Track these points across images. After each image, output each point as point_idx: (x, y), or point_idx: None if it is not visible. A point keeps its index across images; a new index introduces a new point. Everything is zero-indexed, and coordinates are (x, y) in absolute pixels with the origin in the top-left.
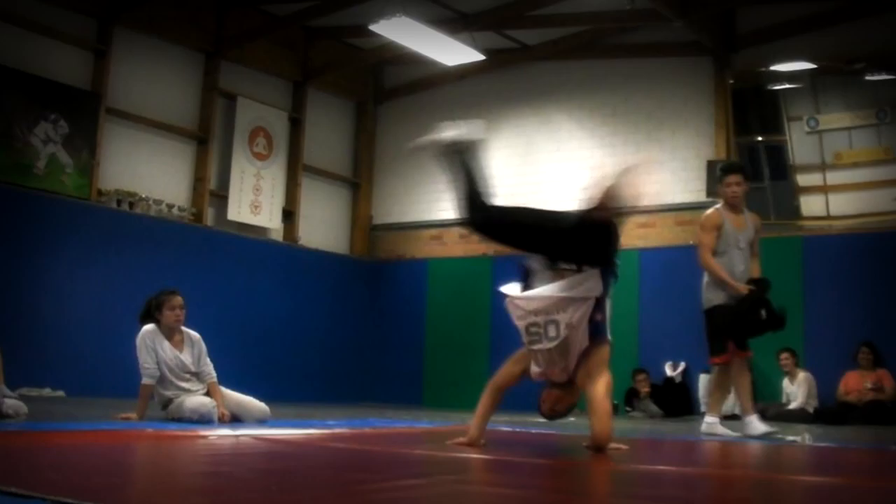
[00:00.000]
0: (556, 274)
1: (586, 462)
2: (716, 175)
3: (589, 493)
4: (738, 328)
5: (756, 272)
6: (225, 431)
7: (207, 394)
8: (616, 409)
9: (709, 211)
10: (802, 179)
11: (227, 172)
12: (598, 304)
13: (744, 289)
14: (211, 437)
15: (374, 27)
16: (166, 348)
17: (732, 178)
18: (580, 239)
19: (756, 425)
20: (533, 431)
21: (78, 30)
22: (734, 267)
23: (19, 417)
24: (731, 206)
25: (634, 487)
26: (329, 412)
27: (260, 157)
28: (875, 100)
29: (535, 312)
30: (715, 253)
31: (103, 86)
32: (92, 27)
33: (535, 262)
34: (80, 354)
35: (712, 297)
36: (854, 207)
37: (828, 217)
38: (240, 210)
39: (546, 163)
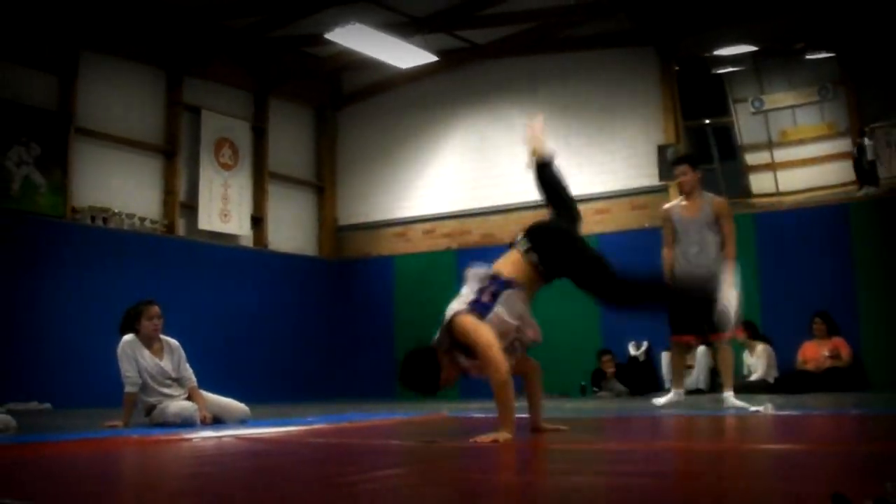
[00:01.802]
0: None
1: (554, 444)
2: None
3: (562, 473)
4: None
5: (729, 252)
6: (208, 433)
7: (189, 398)
8: (584, 391)
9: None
10: (751, 158)
11: (195, 183)
12: None
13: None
14: (195, 440)
15: (329, 35)
16: (147, 357)
17: (678, 170)
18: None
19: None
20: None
21: (45, 55)
22: (686, 250)
23: (9, 431)
24: (686, 194)
25: (604, 464)
26: (307, 409)
27: (226, 166)
28: (817, 78)
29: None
30: (674, 241)
31: (72, 107)
32: (58, 52)
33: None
34: (64, 368)
35: None
36: (802, 182)
37: (777, 193)
38: (210, 219)
39: (503, 157)
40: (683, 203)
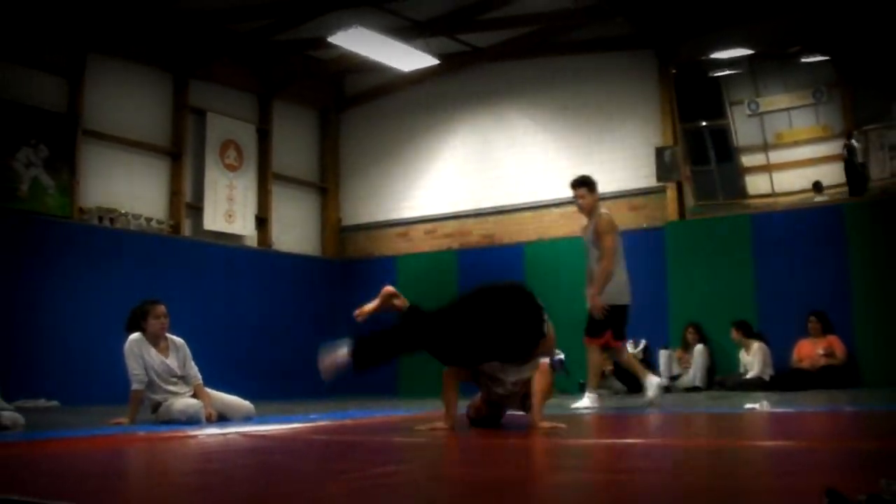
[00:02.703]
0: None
1: (554, 440)
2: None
3: (561, 468)
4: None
5: (602, 266)
6: (213, 430)
7: (194, 396)
8: (583, 388)
9: None
10: (747, 160)
11: (200, 184)
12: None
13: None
14: (200, 437)
15: (332, 39)
16: (153, 355)
17: (576, 192)
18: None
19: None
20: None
21: (52, 58)
22: (588, 266)
23: (17, 428)
24: (586, 215)
25: (603, 460)
26: (310, 406)
27: (231, 168)
28: (811, 81)
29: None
30: None
31: (79, 109)
32: (65, 54)
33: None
34: (71, 365)
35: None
36: (797, 184)
37: (773, 194)
38: (215, 219)
39: (503, 158)
40: (585, 224)
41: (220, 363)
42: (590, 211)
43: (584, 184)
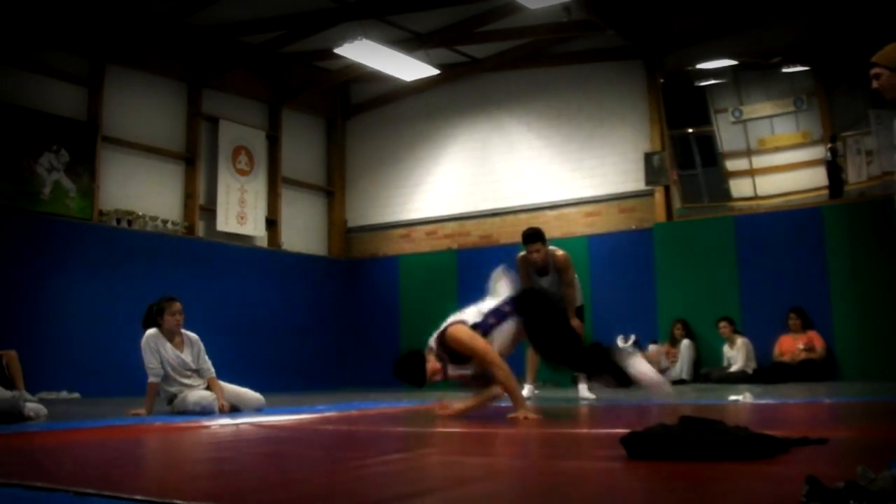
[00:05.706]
0: None
1: (549, 430)
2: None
3: (555, 457)
4: None
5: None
6: (225, 421)
7: (208, 388)
8: (574, 381)
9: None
10: (731, 165)
11: (213, 188)
12: None
13: None
14: (213, 427)
15: (338, 50)
16: (168, 349)
17: (532, 247)
18: None
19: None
20: (503, 405)
21: (73, 68)
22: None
23: (40, 419)
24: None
25: (593, 448)
26: (318, 398)
27: (242, 172)
28: (792, 89)
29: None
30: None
31: (99, 117)
32: (86, 65)
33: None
34: (91, 359)
35: None
36: (779, 187)
37: (756, 197)
38: (227, 221)
39: (500, 163)
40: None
41: (232, 357)
42: (545, 257)
43: (531, 238)
